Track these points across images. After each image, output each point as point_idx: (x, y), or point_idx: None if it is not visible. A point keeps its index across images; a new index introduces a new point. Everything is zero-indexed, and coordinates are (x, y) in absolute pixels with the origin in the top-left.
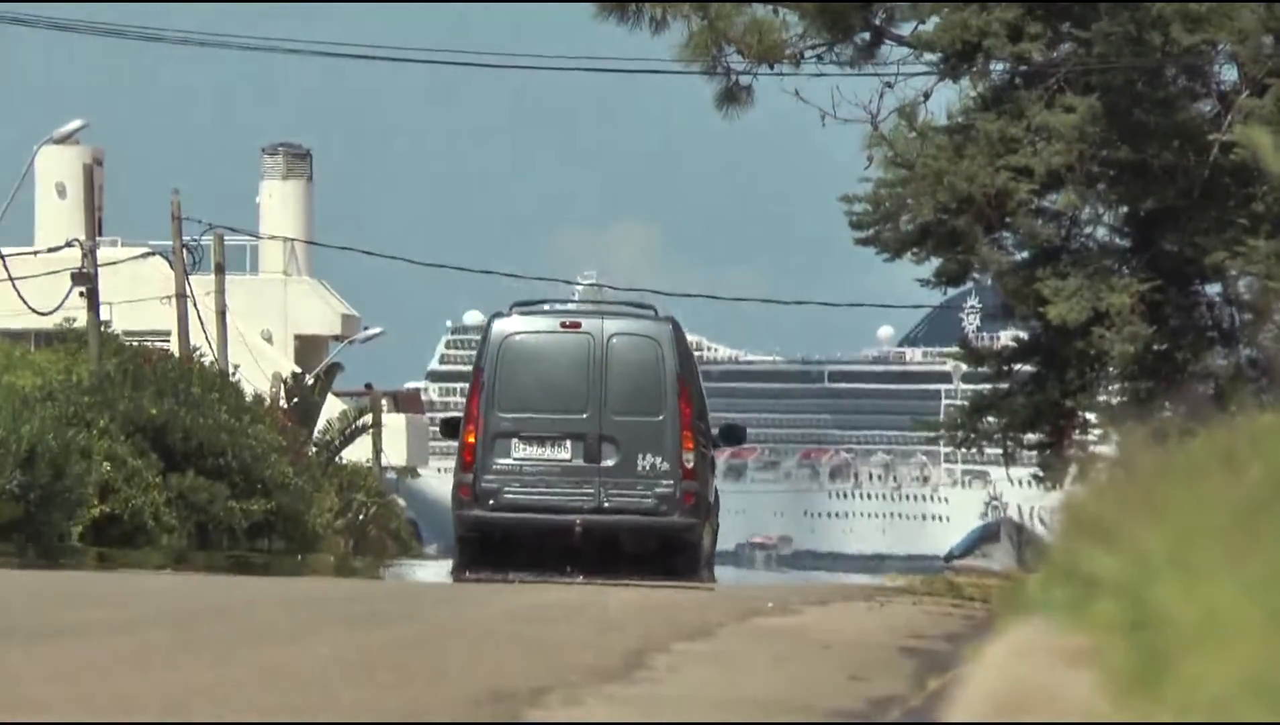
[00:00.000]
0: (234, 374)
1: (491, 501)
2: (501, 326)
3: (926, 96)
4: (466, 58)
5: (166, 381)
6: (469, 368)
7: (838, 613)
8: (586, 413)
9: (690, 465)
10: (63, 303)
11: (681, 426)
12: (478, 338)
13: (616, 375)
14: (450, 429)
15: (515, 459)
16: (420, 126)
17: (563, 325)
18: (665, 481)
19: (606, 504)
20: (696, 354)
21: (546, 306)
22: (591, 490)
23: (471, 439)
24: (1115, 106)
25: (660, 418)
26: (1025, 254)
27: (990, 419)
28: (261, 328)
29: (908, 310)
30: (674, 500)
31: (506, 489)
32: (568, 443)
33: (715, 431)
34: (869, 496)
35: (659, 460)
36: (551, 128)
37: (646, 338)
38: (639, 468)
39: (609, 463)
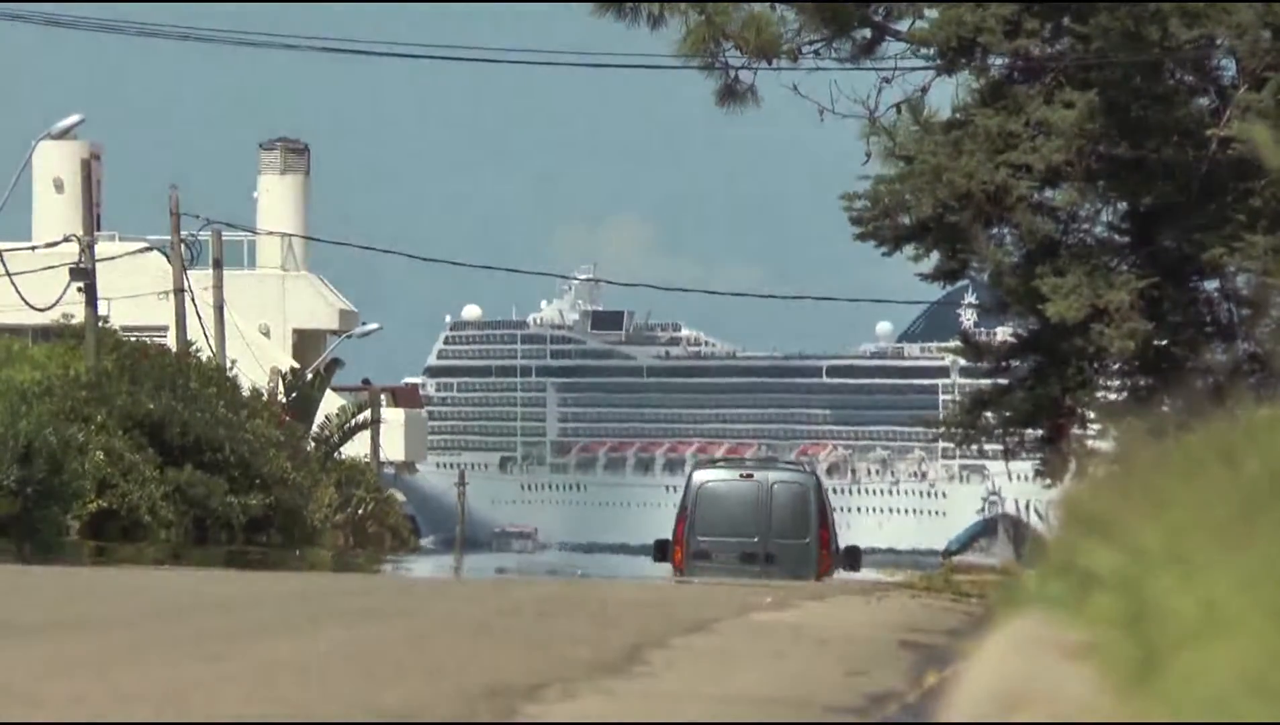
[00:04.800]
0: (232, 369)
1: None
2: (699, 476)
3: (924, 91)
4: (464, 53)
5: (164, 376)
6: (468, 363)
7: (835, 608)
8: (756, 537)
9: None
10: (60, 298)
11: (820, 546)
12: (476, 332)
13: (777, 511)
14: (661, 549)
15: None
16: (418, 122)
17: (741, 476)
18: None
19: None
20: (694, 349)
21: (729, 463)
22: None
23: (679, 556)
24: (1114, 102)
25: (807, 541)
26: (1024, 250)
27: (989, 415)
28: (259, 323)
29: (906, 305)
30: None
31: None
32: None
33: (840, 551)
34: (866, 492)
35: (806, 571)
36: (549, 124)
37: (798, 484)
38: (792, 576)
39: (771, 572)
